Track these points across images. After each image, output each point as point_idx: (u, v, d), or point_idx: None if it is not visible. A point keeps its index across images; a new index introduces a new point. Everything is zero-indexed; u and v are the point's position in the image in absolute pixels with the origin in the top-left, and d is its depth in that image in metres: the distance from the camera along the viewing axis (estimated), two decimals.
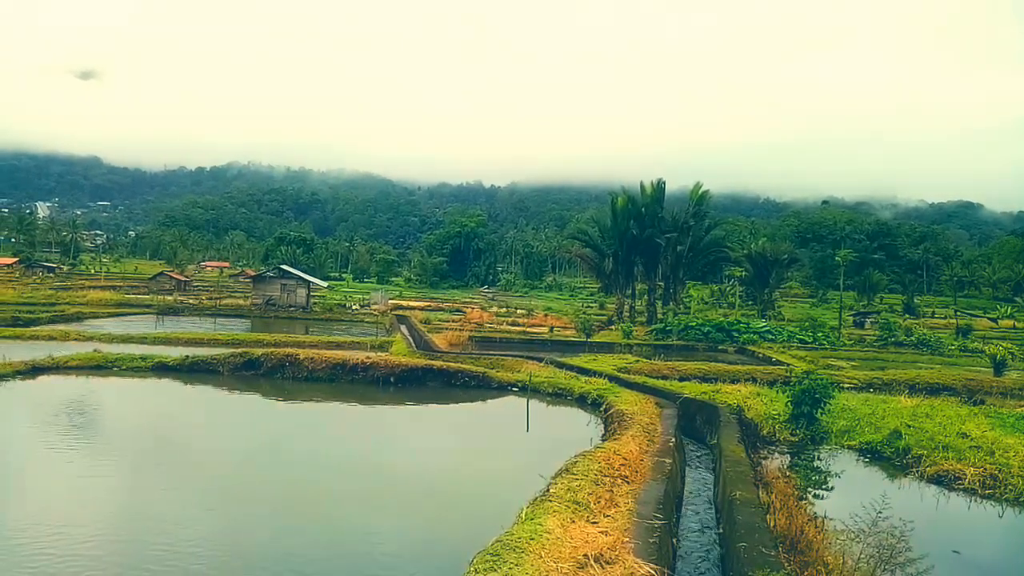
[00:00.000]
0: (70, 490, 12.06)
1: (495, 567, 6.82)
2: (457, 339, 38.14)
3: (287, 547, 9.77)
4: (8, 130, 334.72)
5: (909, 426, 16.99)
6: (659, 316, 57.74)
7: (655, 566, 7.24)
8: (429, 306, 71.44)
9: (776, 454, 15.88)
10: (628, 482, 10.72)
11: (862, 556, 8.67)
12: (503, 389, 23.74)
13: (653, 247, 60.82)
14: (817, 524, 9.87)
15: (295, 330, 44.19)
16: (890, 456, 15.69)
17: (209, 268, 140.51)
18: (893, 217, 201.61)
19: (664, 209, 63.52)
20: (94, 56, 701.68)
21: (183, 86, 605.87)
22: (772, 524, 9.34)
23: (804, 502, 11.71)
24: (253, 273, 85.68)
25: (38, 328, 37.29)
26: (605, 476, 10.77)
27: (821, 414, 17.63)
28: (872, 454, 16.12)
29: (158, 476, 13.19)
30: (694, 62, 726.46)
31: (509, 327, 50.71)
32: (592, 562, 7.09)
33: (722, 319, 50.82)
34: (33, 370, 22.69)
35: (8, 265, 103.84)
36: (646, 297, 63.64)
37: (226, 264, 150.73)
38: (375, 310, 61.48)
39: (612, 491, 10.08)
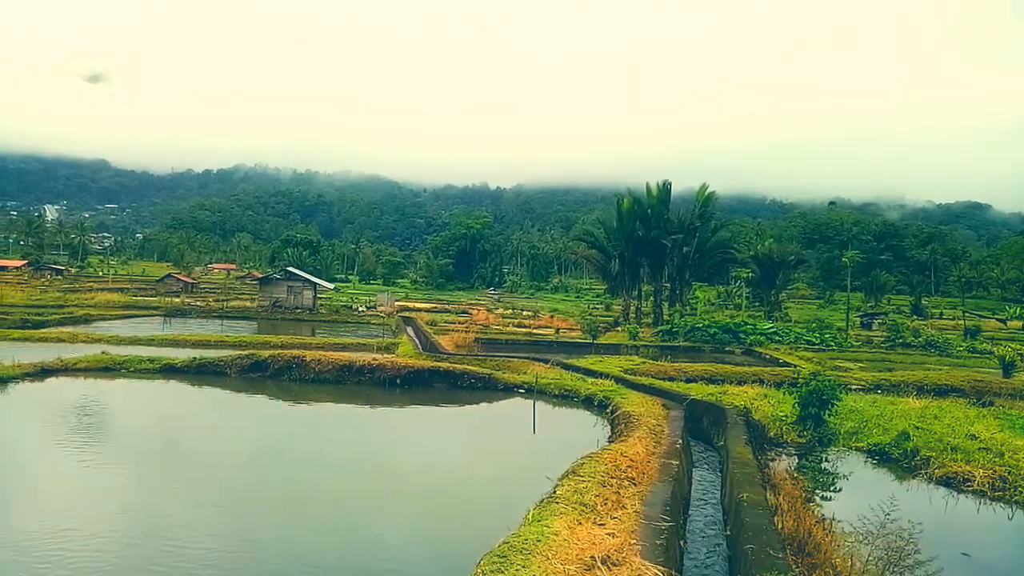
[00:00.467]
0: (79, 490, 12.12)
1: (502, 568, 6.82)
2: (463, 341, 38.15)
3: (294, 547, 9.79)
4: (17, 133, 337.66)
5: (917, 428, 16.91)
6: (665, 317, 57.61)
7: (662, 568, 7.22)
8: (435, 308, 71.55)
9: (783, 456, 15.82)
10: (635, 484, 10.70)
11: (870, 558, 8.63)
12: (509, 391, 23.74)
13: (659, 248, 60.75)
14: (825, 526, 9.84)
15: (302, 332, 44.28)
16: (898, 458, 15.61)
17: (216, 270, 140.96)
18: (900, 218, 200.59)
19: (670, 210, 63.46)
20: (102, 59, 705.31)
21: (190, 89, 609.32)
22: (780, 526, 9.31)
23: (812, 504, 11.67)
24: (260, 275, 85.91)
25: (47, 330, 37.51)
26: (612, 478, 10.75)
27: (829, 416, 17.56)
28: (880, 456, 16.03)
29: (166, 476, 13.25)
30: (700, 62, 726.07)
31: (515, 329, 50.72)
32: (599, 564, 7.08)
33: (729, 320, 50.66)
34: (42, 372, 22.83)
35: (17, 267, 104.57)
36: (652, 298, 63.56)
37: (233, 266, 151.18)
38: (381, 312, 61.58)
39: (619, 493, 10.07)
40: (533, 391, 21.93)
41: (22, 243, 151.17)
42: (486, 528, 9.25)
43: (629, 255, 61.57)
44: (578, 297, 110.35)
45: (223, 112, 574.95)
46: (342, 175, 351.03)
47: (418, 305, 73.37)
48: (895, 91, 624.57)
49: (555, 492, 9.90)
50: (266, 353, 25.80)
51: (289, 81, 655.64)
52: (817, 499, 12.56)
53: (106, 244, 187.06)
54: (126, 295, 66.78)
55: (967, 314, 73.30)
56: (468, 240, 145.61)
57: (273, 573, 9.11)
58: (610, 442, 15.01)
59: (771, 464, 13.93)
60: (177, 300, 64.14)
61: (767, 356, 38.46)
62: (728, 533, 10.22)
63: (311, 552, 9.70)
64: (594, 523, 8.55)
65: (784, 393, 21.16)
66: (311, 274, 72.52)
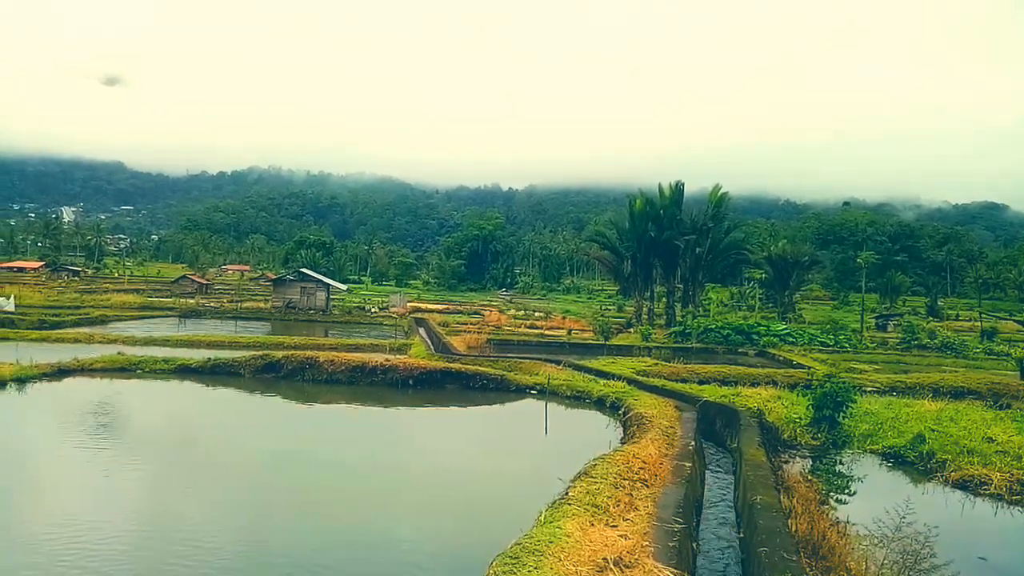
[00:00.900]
0: (96, 489, 12.26)
1: (514, 569, 6.82)
2: (475, 342, 38.20)
3: (308, 547, 9.84)
4: (35, 136, 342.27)
5: (933, 430, 16.75)
6: (678, 319, 57.35)
7: (675, 570, 7.20)
8: (447, 309, 71.68)
9: (797, 458, 15.72)
10: (647, 485, 10.66)
11: (885, 562, 8.57)
12: (521, 392, 23.74)
13: (672, 249, 60.50)
14: (839, 529, 9.77)
15: (315, 333, 44.49)
16: (914, 461, 15.47)
17: (230, 271, 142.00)
18: (916, 218, 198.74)
19: (683, 211, 63.13)
20: (118, 62, 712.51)
21: (205, 92, 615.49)
22: (794, 529, 9.25)
23: (826, 507, 11.60)
24: (273, 276, 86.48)
25: (63, 331, 37.93)
26: (624, 479, 10.72)
27: (843, 418, 17.43)
28: (895, 458, 15.90)
29: (180, 476, 13.38)
30: (713, 63, 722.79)
31: (527, 330, 50.72)
32: (612, 565, 7.07)
33: (742, 322, 50.36)
34: (59, 372, 23.10)
35: (35, 269, 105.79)
36: (665, 300, 63.29)
37: (247, 267, 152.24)
38: (394, 313, 61.75)
39: (631, 494, 10.04)
40: (545, 392, 21.92)
41: (40, 244, 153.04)
42: (498, 529, 9.25)
43: (641, 256, 61.37)
44: (590, 298, 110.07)
45: (237, 114, 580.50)
46: (355, 177, 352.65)
47: (430, 306, 73.50)
48: (910, 90, 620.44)
49: (567, 493, 9.89)
50: (279, 354, 25.96)
51: (303, 83, 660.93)
52: (831, 502, 12.47)
53: (122, 245, 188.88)
54: (141, 296, 67.42)
55: (984, 315, 72.50)
56: (480, 241, 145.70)
57: (287, 573, 9.17)
58: (622, 443, 14.97)
59: (785, 466, 13.86)
60: (192, 301, 64.65)
61: (780, 358, 38.20)
62: (741, 535, 10.17)
63: (324, 550, 9.76)
64: (606, 525, 8.53)
65: (798, 395, 21.01)
66: (324, 275, 72.83)
